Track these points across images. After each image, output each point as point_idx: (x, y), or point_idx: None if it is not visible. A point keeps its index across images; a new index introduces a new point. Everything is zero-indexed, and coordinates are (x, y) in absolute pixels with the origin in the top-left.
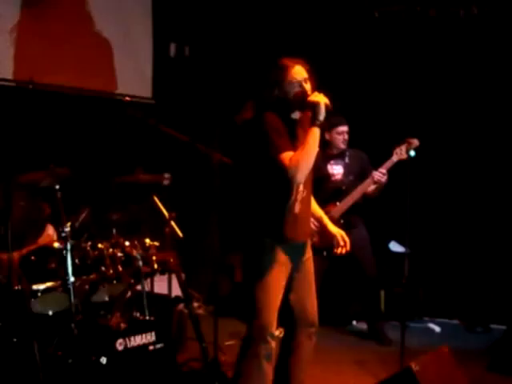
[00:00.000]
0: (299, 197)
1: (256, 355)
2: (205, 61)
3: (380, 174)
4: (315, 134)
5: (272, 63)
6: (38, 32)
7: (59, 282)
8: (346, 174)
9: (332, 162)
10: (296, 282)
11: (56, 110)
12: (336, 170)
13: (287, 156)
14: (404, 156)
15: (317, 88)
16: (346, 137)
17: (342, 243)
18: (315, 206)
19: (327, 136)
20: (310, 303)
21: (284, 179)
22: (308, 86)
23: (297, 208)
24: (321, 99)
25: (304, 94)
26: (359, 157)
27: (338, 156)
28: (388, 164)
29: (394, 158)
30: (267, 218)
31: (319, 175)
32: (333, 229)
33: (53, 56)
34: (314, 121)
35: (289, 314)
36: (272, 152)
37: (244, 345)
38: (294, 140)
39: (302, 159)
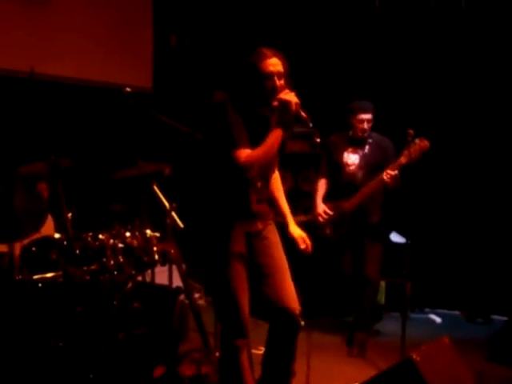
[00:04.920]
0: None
1: (231, 349)
2: (205, 51)
3: (390, 175)
4: (275, 135)
5: (250, 50)
6: (38, 22)
7: (60, 273)
8: (360, 166)
9: (350, 149)
10: (264, 269)
11: (56, 100)
12: (351, 159)
13: (243, 153)
14: (414, 159)
15: (293, 86)
16: (366, 126)
17: (302, 246)
18: (283, 202)
19: (351, 120)
20: (286, 290)
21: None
22: (281, 82)
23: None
24: (291, 98)
25: (273, 88)
26: (381, 147)
27: (358, 144)
28: (397, 165)
29: (403, 160)
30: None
31: (334, 161)
32: (293, 230)
33: (53, 46)
34: (278, 120)
35: (269, 306)
36: (229, 146)
37: (221, 339)
38: (256, 135)
39: (258, 160)
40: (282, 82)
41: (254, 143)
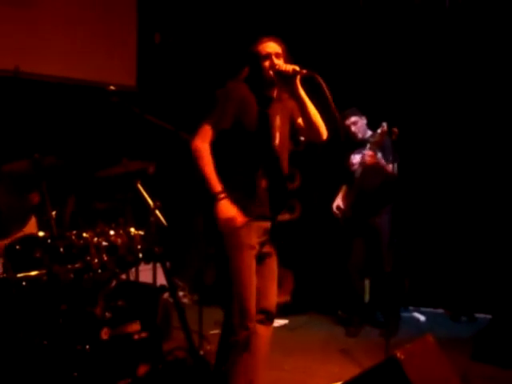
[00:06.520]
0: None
1: (237, 343)
2: (189, 49)
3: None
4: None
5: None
6: (22, 21)
7: (44, 271)
8: (360, 162)
9: (355, 151)
10: (261, 266)
11: (41, 98)
12: (355, 159)
13: (205, 133)
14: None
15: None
16: (354, 128)
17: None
18: None
19: None
20: (270, 291)
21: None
22: (280, 61)
23: (261, 183)
24: (286, 66)
25: (272, 66)
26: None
27: (360, 145)
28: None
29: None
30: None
31: (347, 166)
32: None
33: (37, 45)
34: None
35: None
36: (204, 117)
37: (224, 332)
38: (261, 117)
39: (196, 163)
40: (281, 61)
41: (258, 132)
